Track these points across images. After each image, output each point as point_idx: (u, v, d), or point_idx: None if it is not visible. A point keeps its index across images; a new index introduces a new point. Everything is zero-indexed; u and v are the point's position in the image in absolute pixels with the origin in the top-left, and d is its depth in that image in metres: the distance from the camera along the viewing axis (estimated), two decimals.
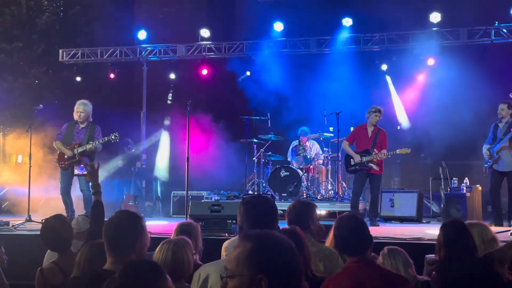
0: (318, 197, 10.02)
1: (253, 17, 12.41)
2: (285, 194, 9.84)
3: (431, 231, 6.86)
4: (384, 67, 11.75)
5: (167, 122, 12.48)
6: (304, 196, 9.82)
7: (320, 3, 11.82)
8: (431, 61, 11.25)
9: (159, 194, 11.43)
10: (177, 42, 12.51)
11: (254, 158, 10.62)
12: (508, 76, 10.44)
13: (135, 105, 13.20)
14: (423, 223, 9.05)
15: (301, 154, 10.19)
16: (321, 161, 10.58)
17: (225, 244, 4.01)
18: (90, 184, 4.09)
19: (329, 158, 10.51)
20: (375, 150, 8.40)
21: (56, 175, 8.61)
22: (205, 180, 11.25)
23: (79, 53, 12.89)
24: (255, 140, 10.68)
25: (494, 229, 4.55)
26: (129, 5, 14.50)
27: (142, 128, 12.98)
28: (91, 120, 8.46)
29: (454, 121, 10.27)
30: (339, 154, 9.93)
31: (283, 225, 3.47)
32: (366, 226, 3.11)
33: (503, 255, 3.50)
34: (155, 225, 8.18)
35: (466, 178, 9.41)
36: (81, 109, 8.29)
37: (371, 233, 3.10)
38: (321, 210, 9.18)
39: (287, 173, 9.95)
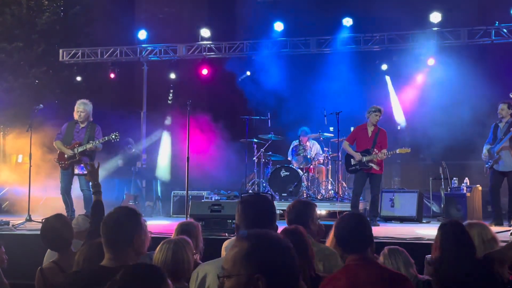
0: (318, 197, 10.02)
1: (253, 17, 12.41)
2: (285, 194, 9.83)
3: (429, 231, 6.84)
4: (384, 67, 11.75)
5: (167, 122, 12.48)
6: (304, 196, 9.80)
7: (320, 3, 11.82)
8: (431, 61, 11.25)
9: (159, 194, 11.41)
10: (177, 42, 12.51)
11: (254, 158, 10.61)
12: (508, 76, 10.42)
13: (135, 105, 13.21)
14: (423, 223, 9.04)
15: (301, 154, 10.19)
16: (321, 161, 10.56)
17: (225, 243, 4.00)
18: (90, 183, 4.08)
19: (329, 158, 10.50)
20: (375, 150, 8.41)
21: (56, 175, 8.60)
22: (205, 180, 11.26)
23: (79, 53, 12.88)
24: (255, 140, 10.67)
25: (494, 229, 4.53)
26: (129, 5, 14.49)
27: (142, 128, 12.98)
28: (91, 119, 8.46)
29: (455, 121, 10.28)
30: (339, 154, 9.94)
31: (283, 225, 3.47)
32: (367, 224, 3.10)
33: (503, 256, 3.49)
34: (155, 225, 8.16)
35: (466, 178, 9.40)
36: (81, 108, 8.28)
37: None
38: (321, 210, 9.18)
39: (287, 173, 9.95)
